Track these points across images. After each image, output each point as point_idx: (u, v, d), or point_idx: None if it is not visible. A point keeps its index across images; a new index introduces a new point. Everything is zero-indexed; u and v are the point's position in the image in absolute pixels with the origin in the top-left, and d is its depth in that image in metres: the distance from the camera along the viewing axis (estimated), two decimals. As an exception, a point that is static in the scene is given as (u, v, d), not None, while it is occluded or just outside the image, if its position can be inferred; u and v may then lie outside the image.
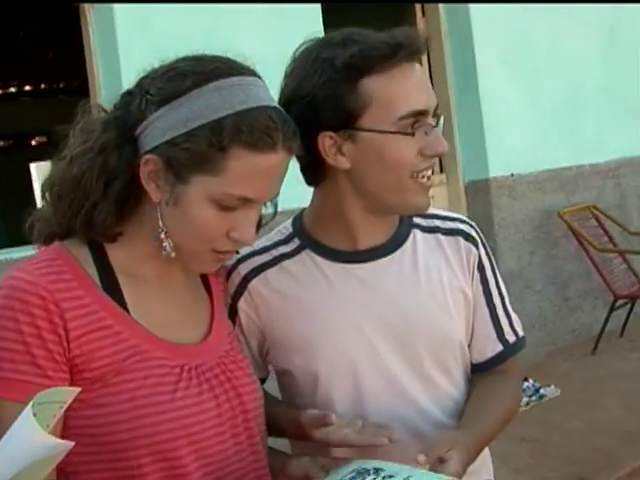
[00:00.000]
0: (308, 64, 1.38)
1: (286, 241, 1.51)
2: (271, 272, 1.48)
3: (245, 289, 1.48)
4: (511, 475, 3.92)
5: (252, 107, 1.20)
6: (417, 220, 1.53)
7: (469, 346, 1.55)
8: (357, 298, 1.46)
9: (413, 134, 1.35)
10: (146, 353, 1.23)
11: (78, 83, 6.49)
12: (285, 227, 1.54)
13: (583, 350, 5.62)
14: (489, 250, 1.57)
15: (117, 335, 1.22)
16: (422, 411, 1.48)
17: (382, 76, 1.35)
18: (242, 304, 1.48)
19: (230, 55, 1.28)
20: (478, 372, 1.56)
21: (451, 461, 1.24)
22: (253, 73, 1.27)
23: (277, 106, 1.26)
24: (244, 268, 1.48)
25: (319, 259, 1.48)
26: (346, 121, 1.37)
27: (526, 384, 5.00)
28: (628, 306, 5.84)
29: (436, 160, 1.44)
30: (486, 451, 1.54)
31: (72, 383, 1.19)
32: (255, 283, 1.48)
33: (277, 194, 1.29)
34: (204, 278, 1.41)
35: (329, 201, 1.47)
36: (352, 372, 1.46)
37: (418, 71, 1.39)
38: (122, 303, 1.26)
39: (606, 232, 5.91)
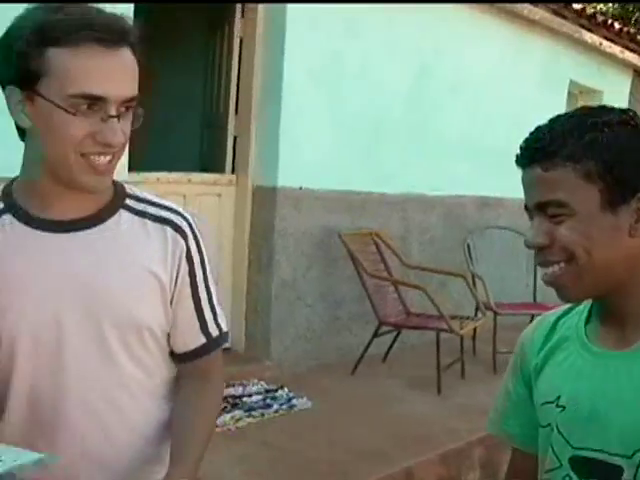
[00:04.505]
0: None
1: None
2: None
3: None
4: (243, 477, 3.93)
5: None
6: (129, 202, 1.54)
7: (173, 335, 1.58)
8: (49, 267, 1.46)
9: (74, 114, 1.34)
10: None
11: None
12: None
13: (344, 369, 5.73)
14: (202, 245, 1.60)
15: None
16: (105, 390, 1.51)
17: (65, 50, 1.33)
18: None
19: None
20: (184, 362, 1.61)
21: None
22: None
23: None
24: None
25: (18, 224, 1.47)
26: (27, 81, 1.36)
27: (280, 392, 5.04)
28: (394, 334, 6.03)
29: (117, 149, 1.42)
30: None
31: None
32: None
33: None
34: None
35: (27, 165, 1.48)
36: (32, 340, 1.46)
37: (112, 58, 1.36)
38: None
39: (384, 260, 6.08)
